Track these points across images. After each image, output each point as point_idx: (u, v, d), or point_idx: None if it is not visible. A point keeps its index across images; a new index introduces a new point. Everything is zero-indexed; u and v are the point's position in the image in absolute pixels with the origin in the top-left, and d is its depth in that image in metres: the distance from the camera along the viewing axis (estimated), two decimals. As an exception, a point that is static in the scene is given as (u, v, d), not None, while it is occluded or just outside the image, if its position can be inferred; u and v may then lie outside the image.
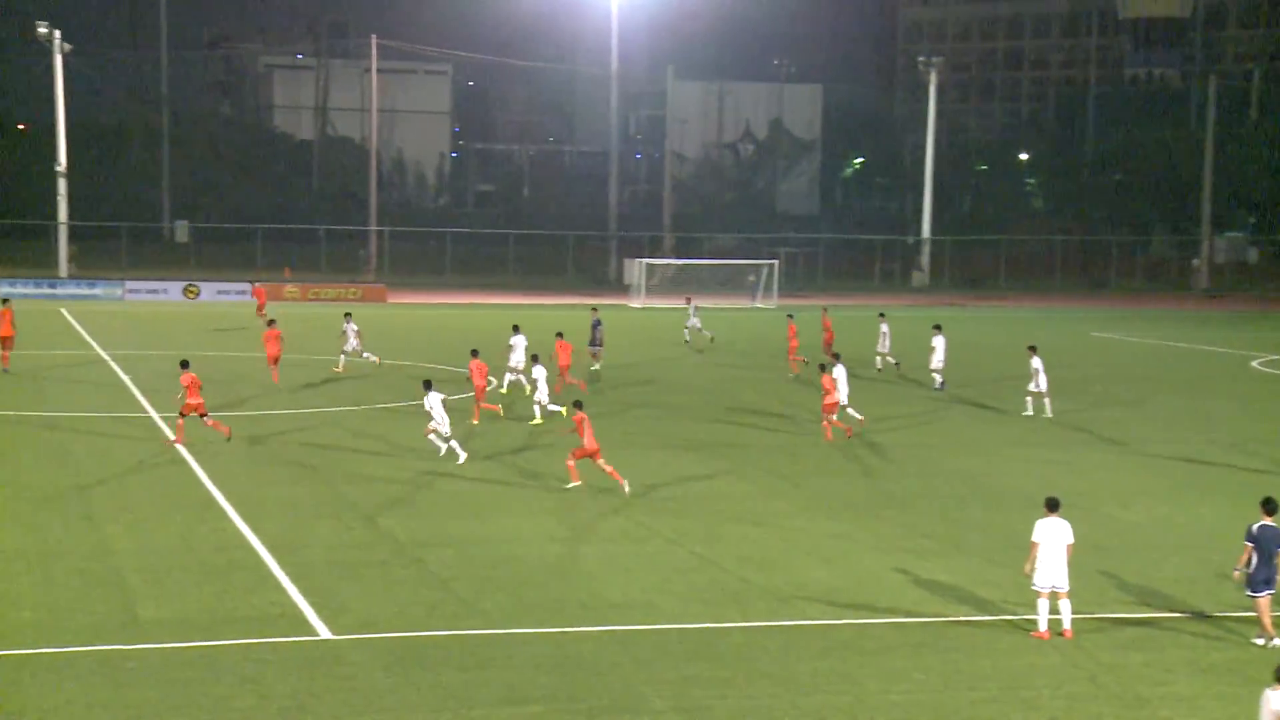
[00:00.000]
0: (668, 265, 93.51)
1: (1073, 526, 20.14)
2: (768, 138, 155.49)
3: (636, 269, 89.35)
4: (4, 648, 18.69)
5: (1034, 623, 20.14)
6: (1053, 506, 20.16)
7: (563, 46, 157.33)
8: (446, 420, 31.68)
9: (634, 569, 23.40)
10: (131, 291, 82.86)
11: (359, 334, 47.58)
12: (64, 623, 19.81)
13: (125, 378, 45.21)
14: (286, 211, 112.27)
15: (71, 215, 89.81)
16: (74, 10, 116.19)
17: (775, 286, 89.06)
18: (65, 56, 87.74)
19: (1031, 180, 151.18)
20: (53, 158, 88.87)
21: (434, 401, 31.63)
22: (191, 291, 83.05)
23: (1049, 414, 40.62)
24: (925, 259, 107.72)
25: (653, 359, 54.42)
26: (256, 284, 71.31)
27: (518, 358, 42.18)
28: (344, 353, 47.37)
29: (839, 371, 37.17)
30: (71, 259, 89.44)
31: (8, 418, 37.09)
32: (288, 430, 35.93)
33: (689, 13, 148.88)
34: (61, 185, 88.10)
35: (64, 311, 70.42)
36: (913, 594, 22.25)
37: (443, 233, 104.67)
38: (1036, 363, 40.73)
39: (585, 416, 29.09)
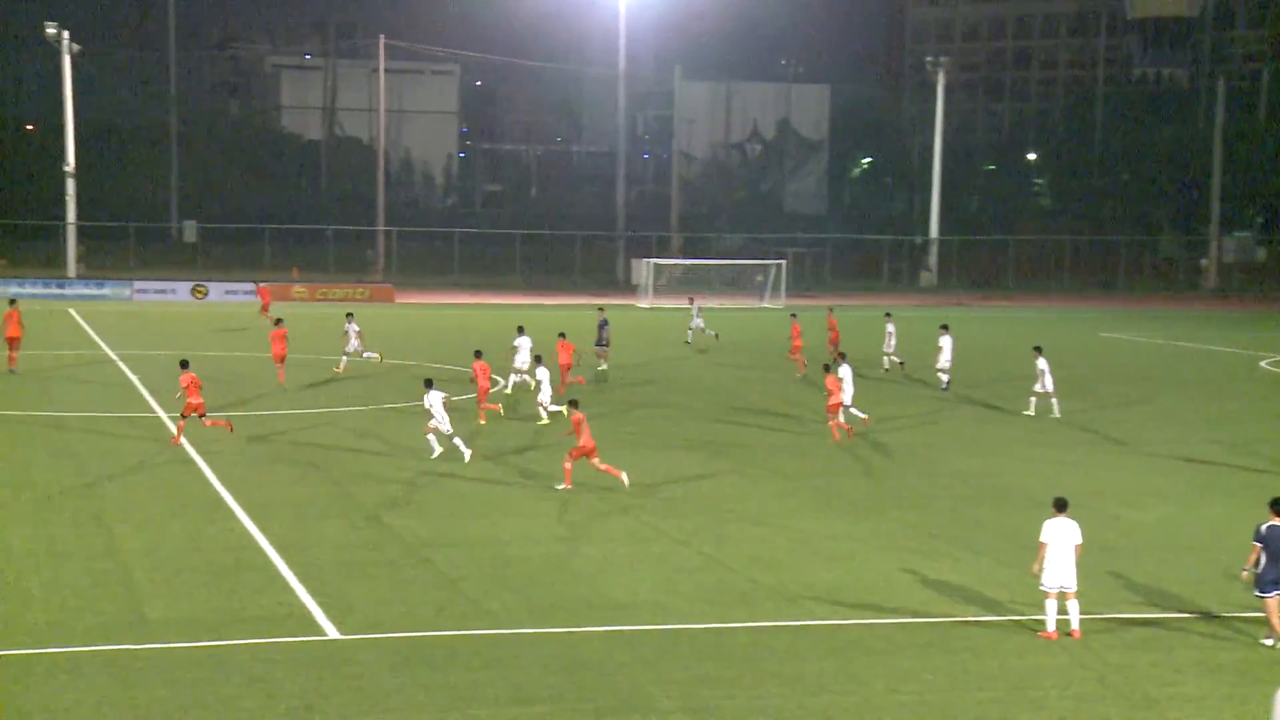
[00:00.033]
0: (675, 265, 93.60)
1: (1081, 527, 20.10)
2: (775, 138, 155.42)
3: (644, 269, 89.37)
4: (12, 647, 18.71)
5: (1042, 623, 20.12)
6: (1061, 507, 20.12)
7: (570, 47, 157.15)
8: (447, 419, 31.71)
9: (641, 569, 23.39)
10: (140, 291, 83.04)
11: (360, 334, 47.60)
12: (72, 622, 19.84)
13: (133, 378, 45.28)
14: (294, 212, 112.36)
15: (80, 215, 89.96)
16: (82, 10, 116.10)
17: (783, 286, 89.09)
18: (74, 57, 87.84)
19: (1039, 180, 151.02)
20: (61, 158, 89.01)
21: (434, 400, 31.66)
22: (200, 291, 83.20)
23: (1056, 414, 40.61)
24: (933, 259, 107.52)
25: (659, 359, 54.43)
26: (261, 284, 71.34)
27: (522, 358, 42.30)
28: (345, 354, 47.39)
29: (844, 371, 37.17)
30: (80, 259, 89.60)
31: (16, 418, 37.18)
32: (294, 430, 35.98)
33: (696, 13, 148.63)
34: (70, 185, 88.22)
35: (72, 312, 70.52)
36: (920, 594, 22.23)
37: (450, 233, 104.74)
38: (1042, 363, 40.77)
39: (582, 416, 29.17)
